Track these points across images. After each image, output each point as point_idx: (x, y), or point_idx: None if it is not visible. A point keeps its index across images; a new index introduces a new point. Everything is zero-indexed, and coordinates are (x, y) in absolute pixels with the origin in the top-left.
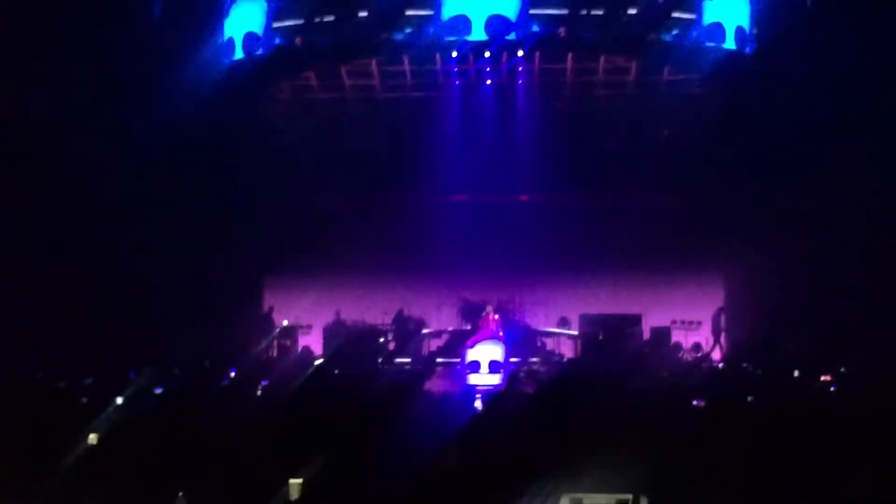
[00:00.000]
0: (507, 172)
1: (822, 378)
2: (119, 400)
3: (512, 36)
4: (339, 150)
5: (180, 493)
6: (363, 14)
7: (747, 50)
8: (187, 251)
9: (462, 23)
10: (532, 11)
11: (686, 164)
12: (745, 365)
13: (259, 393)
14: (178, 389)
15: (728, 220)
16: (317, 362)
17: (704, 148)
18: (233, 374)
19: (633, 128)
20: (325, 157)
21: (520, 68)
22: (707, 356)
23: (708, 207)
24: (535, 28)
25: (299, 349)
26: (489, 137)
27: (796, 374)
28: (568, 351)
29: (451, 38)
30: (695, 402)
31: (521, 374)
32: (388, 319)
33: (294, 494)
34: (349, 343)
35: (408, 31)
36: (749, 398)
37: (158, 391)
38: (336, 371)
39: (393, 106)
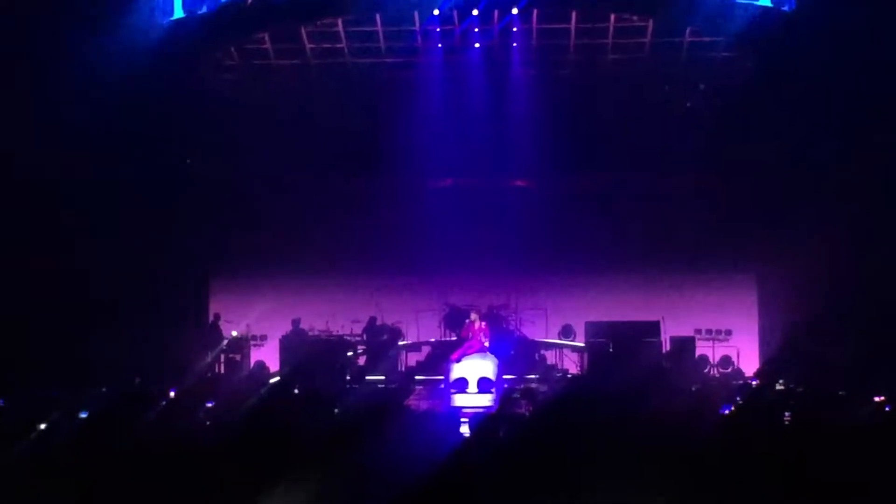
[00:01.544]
0: (499, 153)
1: (875, 398)
2: (39, 426)
3: None
4: (298, 127)
5: None
6: None
7: (785, 7)
8: (117, 248)
9: None
10: None
11: (712, 142)
12: (783, 381)
13: (203, 417)
14: (106, 413)
15: (763, 209)
16: (272, 380)
17: (734, 123)
18: (172, 395)
19: (650, 100)
20: (282, 137)
21: (514, 29)
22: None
23: (739, 193)
24: None
25: (251, 364)
26: (478, 112)
27: (843, 392)
28: (572, 366)
29: None
30: (725, 411)
31: (516, 395)
32: (358, 329)
33: None
34: (311, 357)
35: None
36: (786, 420)
37: (83, 415)
38: (295, 391)
39: (363, 75)
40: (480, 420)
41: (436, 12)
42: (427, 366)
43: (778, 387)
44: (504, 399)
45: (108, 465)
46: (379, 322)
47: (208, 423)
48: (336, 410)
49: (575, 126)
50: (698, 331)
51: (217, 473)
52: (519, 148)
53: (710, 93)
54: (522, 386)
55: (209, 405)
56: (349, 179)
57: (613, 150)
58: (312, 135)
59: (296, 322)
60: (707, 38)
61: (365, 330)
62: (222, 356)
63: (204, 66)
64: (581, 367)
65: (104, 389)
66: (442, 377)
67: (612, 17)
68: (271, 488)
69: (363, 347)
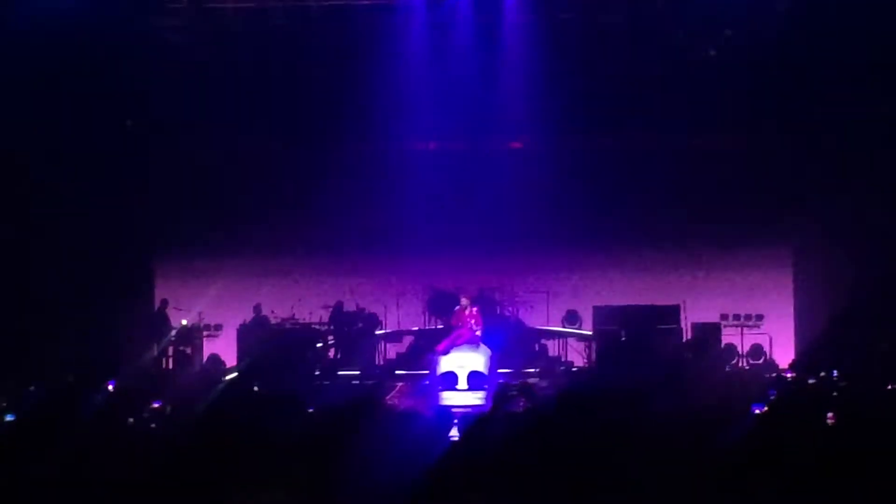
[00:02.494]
0: (491, 111)
1: None
2: None
3: None
4: (257, 82)
5: None
6: None
7: None
8: (46, 224)
9: None
10: None
11: (741, 97)
12: (823, 374)
13: (148, 418)
14: (37, 414)
15: (800, 175)
16: (229, 376)
17: (766, 75)
18: (111, 388)
19: (667, 48)
20: (237, 94)
21: None
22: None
23: (771, 157)
24: None
25: (204, 358)
26: (467, 63)
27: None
28: (578, 358)
29: None
30: (756, 410)
31: (513, 392)
32: (328, 316)
33: None
34: (273, 350)
35: None
36: (829, 419)
37: (10, 418)
38: (255, 388)
39: (331, 20)
40: (472, 421)
41: None
42: (409, 358)
43: (818, 381)
44: (498, 397)
45: (38, 475)
46: (351, 308)
47: (154, 425)
48: (310, 411)
49: (580, 79)
50: (724, 316)
51: (164, 485)
52: (514, 105)
53: (739, 40)
54: (520, 381)
55: (155, 405)
56: (317, 143)
57: (625, 107)
58: (273, 91)
59: (256, 309)
60: None
61: (335, 317)
62: (170, 349)
63: (146, 9)
64: (588, 359)
65: (33, 388)
66: (427, 372)
67: None
68: (228, 500)
69: (334, 338)
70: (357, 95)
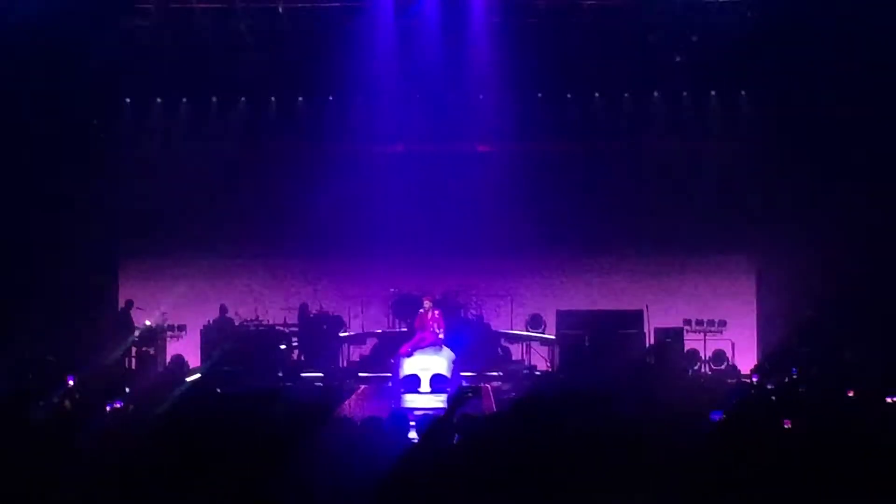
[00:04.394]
0: (458, 115)
1: (890, 399)
2: None
3: None
4: (223, 83)
5: None
6: None
7: None
8: (10, 223)
9: None
10: None
11: (705, 103)
12: (786, 380)
13: (107, 419)
14: None
15: (763, 183)
16: (192, 378)
17: (731, 81)
18: (70, 383)
19: (634, 53)
20: (203, 93)
21: None
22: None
23: (735, 164)
24: None
25: (167, 359)
26: (433, 66)
27: (853, 393)
28: (541, 362)
29: None
30: (714, 417)
31: (470, 394)
32: (292, 318)
33: None
34: (237, 351)
35: None
36: (786, 425)
37: None
38: (218, 390)
39: (298, 22)
40: (432, 424)
41: None
42: (373, 361)
43: (778, 386)
44: (455, 399)
45: None
46: (316, 309)
47: (113, 427)
48: (265, 413)
49: (546, 83)
50: (687, 321)
51: (122, 488)
52: (481, 109)
53: (706, 44)
54: (482, 385)
55: (117, 405)
56: (283, 144)
57: (591, 112)
58: (239, 92)
59: (222, 310)
60: None
61: (299, 318)
62: (133, 349)
63: (113, 10)
64: (551, 363)
65: None
66: (390, 374)
67: None
68: None
69: (298, 339)
70: (323, 98)
